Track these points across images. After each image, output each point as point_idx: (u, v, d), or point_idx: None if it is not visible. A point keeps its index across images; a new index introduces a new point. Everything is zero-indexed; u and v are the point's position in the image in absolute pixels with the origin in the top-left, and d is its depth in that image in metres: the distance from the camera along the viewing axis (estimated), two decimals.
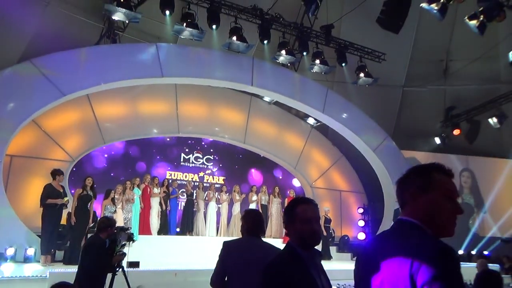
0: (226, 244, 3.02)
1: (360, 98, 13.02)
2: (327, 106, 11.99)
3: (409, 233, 1.38)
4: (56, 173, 7.66)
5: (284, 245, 2.06)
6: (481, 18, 9.21)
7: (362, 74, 12.07)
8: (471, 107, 13.92)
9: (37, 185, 8.61)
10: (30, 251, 7.66)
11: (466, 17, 9.51)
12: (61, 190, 7.59)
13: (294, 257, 1.92)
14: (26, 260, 7.58)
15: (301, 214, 1.98)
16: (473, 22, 9.34)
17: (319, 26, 11.91)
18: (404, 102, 14.58)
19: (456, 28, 13.42)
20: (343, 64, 11.98)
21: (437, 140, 14.37)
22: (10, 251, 7.41)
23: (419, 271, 1.22)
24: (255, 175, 13.65)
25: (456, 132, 14.13)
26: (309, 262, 1.94)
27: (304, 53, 11.63)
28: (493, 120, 13.06)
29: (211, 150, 13.05)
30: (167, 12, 9.49)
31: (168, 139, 12.41)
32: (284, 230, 10.63)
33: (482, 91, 13.90)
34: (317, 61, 11.53)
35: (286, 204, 11.25)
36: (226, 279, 2.89)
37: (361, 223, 13.61)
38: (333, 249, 11.65)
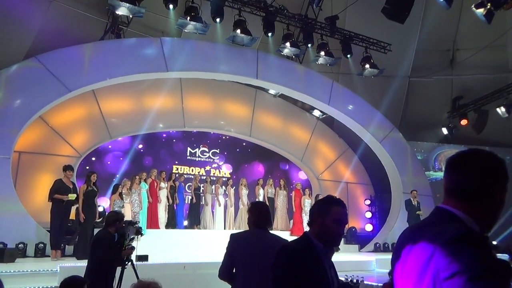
0: (233, 237, 3.04)
1: (366, 89, 12.95)
2: (332, 98, 11.94)
3: (443, 221, 1.23)
4: (65, 168, 7.74)
5: (292, 237, 2.09)
6: (488, 6, 9.09)
7: (367, 65, 11.99)
8: (478, 97, 13.78)
9: (45, 180, 8.70)
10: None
11: (473, 6, 9.39)
12: (71, 186, 7.66)
13: (310, 246, 2.01)
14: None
15: (335, 214, 2.06)
16: (480, 11, 9.22)
17: (324, 17, 11.83)
18: (410, 93, 14.48)
19: (462, 17, 13.27)
20: (348, 56, 11.91)
21: (444, 131, 14.27)
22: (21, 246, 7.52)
23: (433, 258, 1.10)
24: (261, 168, 13.67)
25: (464, 122, 14.01)
26: (322, 254, 2.03)
27: (309, 45, 11.58)
28: (501, 110, 12.93)
29: (217, 144, 13.08)
30: (171, 6, 9.48)
31: (174, 133, 12.45)
32: (290, 222, 10.62)
33: (489, 80, 13.76)
34: (322, 53, 11.47)
35: (294, 196, 11.37)
36: (234, 271, 2.91)
37: (368, 214, 13.61)
38: (341, 241, 11.64)
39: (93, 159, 10.80)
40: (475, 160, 1.28)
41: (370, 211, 13.65)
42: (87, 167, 10.31)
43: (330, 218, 2.04)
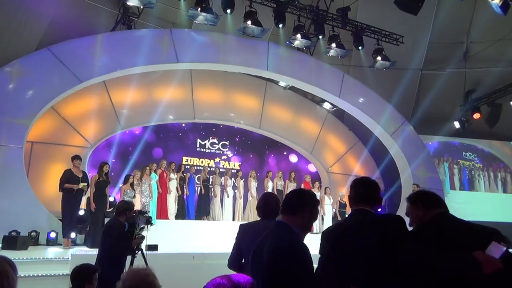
0: (242, 227, 3.06)
1: (377, 82, 12.80)
2: (343, 91, 11.84)
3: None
4: (74, 158, 7.81)
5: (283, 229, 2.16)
6: None
7: (379, 58, 11.85)
8: (492, 90, 13.55)
9: (57, 170, 8.79)
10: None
11: None
12: (80, 175, 7.73)
13: (300, 237, 2.14)
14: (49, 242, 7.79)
15: (316, 203, 2.28)
16: (496, 2, 9.04)
17: (335, 8, 11.69)
18: (422, 86, 14.28)
19: (477, 8, 13.00)
20: (360, 48, 11.75)
21: (457, 124, 14.09)
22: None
23: None
24: (270, 160, 13.66)
25: (476, 116, 13.80)
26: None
27: (320, 37, 11.44)
28: None
29: (227, 136, 13.09)
30: None
31: (184, 125, 12.48)
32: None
33: (503, 73, 13.49)
34: (333, 45, 11.35)
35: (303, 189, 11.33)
36: (243, 261, 2.92)
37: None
38: None
39: (104, 149, 10.88)
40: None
41: None
42: (98, 158, 10.38)
43: (316, 208, 2.23)
